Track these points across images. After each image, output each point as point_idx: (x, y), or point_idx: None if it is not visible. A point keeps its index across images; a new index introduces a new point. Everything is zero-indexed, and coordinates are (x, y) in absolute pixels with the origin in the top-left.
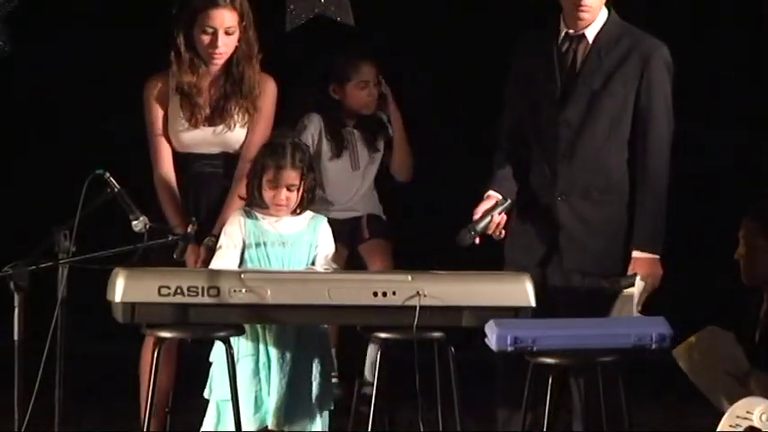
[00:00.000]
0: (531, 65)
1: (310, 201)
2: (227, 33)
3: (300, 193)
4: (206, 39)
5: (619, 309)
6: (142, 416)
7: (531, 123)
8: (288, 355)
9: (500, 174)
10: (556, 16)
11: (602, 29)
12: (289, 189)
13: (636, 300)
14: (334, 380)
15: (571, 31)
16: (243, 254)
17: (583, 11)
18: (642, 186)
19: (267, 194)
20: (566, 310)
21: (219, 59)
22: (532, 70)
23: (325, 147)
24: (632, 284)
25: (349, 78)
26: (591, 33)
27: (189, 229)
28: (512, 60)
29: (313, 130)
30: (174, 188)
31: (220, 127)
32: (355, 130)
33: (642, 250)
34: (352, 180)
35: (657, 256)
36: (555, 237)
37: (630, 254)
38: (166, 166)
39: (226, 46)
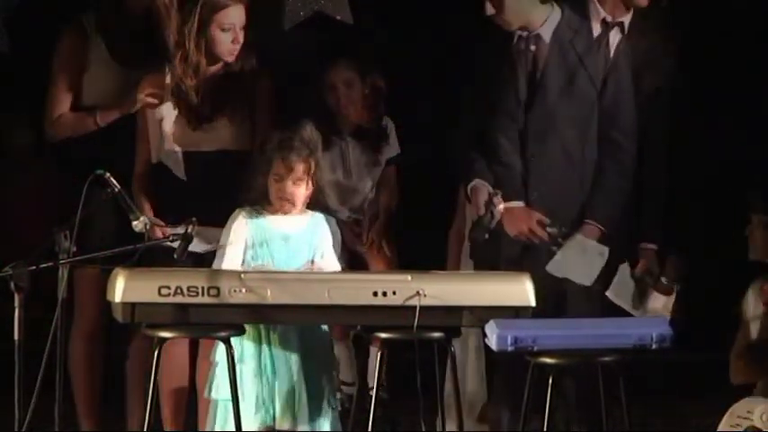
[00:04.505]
0: (488, 65)
1: (315, 198)
2: (242, 28)
3: (306, 189)
4: (226, 36)
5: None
6: (163, 415)
7: (496, 125)
8: (291, 356)
9: (479, 166)
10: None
11: (558, 26)
12: (295, 183)
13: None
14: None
15: (524, 33)
16: (245, 252)
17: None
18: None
19: (273, 188)
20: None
21: (234, 56)
22: (490, 71)
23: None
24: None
25: (331, 83)
26: (546, 33)
27: (189, 229)
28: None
29: None
30: (147, 189)
31: (221, 122)
32: (350, 139)
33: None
34: (346, 190)
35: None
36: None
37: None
38: (140, 167)
39: (240, 42)
